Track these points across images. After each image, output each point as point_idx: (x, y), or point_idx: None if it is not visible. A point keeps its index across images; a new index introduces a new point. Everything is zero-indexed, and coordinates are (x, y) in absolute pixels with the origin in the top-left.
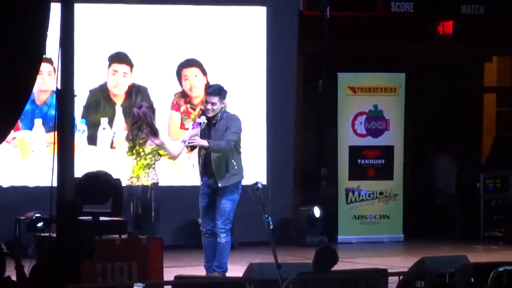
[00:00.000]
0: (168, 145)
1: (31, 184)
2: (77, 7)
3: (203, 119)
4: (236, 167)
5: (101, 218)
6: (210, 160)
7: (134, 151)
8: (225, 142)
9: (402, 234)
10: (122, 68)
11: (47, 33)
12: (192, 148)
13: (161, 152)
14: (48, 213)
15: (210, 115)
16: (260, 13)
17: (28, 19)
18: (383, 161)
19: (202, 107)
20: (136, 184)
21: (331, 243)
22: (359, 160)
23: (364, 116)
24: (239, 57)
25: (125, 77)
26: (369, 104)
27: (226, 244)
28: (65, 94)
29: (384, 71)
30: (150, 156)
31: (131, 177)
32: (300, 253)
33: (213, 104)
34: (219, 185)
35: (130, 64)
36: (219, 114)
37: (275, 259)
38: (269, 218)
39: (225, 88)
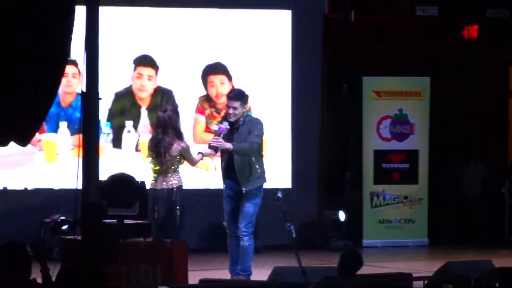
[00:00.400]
0: (192, 155)
1: (57, 186)
2: (102, 9)
3: (225, 125)
4: (259, 171)
5: (126, 221)
6: (233, 163)
7: (159, 155)
8: (248, 144)
9: (427, 238)
10: (147, 71)
11: (72, 35)
12: (216, 150)
13: (185, 155)
14: (73, 216)
15: (232, 119)
16: (285, 16)
17: (53, 21)
18: (408, 165)
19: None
20: (161, 187)
21: (356, 247)
22: (384, 164)
23: (389, 120)
24: (264, 60)
25: (150, 80)
26: (394, 108)
27: (249, 247)
28: (90, 97)
29: (409, 75)
30: (175, 159)
31: (155, 181)
32: (325, 257)
33: (234, 108)
34: (243, 189)
35: (155, 67)
36: (241, 118)
37: (300, 266)
38: (291, 226)
39: (246, 93)
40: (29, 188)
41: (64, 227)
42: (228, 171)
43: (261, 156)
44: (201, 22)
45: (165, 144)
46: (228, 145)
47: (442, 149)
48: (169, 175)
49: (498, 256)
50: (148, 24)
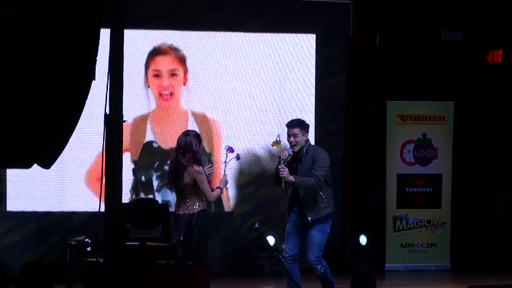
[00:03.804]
0: (205, 183)
1: (81, 209)
2: (127, 32)
3: (289, 151)
4: (325, 200)
5: (149, 243)
6: (298, 193)
7: (177, 179)
8: (313, 180)
9: (449, 263)
10: None
11: (97, 58)
12: (279, 182)
13: (197, 180)
14: (96, 239)
15: (295, 149)
16: (309, 40)
17: (79, 44)
18: (431, 189)
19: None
20: (182, 212)
21: (378, 271)
22: (407, 188)
23: (413, 144)
24: (288, 84)
25: None
26: (417, 132)
27: (326, 273)
28: (113, 119)
29: (433, 100)
30: (188, 182)
31: (177, 205)
32: (347, 281)
33: (295, 136)
34: (309, 218)
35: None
36: (304, 149)
37: None
38: (279, 255)
39: (305, 122)
40: (53, 210)
41: (88, 249)
42: (294, 200)
43: (329, 185)
44: (226, 46)
45: (184, 168)
46: (291, 178)
47: (465, 174)
48: (189, 200)
49: None
50: (174, 47)
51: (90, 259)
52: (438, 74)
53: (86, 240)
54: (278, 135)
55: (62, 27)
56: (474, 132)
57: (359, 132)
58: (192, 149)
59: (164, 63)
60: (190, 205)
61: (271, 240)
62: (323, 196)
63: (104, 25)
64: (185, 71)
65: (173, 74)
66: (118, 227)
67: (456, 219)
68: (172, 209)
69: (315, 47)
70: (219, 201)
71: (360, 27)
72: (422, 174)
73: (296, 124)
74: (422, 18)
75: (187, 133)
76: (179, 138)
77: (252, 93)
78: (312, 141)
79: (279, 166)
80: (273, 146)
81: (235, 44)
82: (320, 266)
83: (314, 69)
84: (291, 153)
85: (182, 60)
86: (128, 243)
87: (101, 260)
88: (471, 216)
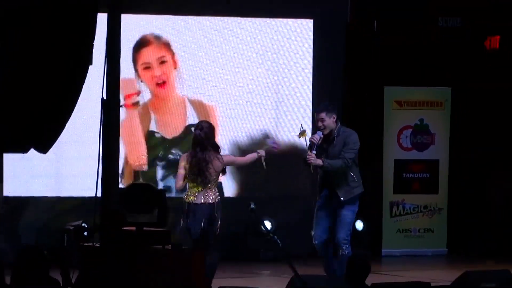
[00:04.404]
0: (238, 159)
1: (78, 194)
2: (124, 17)
3: (319, 134)
4: (356, 180)
5: (145, 229)
6: (329, 174)
7: (201, 173)
8: (342, 161)
9: (446, 248)
10: None
11: (94, 43)
12: (307, 167)
13: (232, 165)
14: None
15: (325, 132)
16: (306, 26)
17: (75, 29)
18: (428, 175)
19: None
20: (202, 202)
21: (375, 256)
22: (404, 174)
23: (410, 130)
24: (285, 69)
25: None
26: (415, 118)
27: (348, 255)
28: (110, 104)
29: (431, 85)
30: (215, 175)
31: (193, 195)
32: None
33: (322, 120)
34: (341, 198)
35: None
36: (335, 131)
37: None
38: (275, 236)
39: (332, 103)
40: (50, 195)
41: (85, 234)
42: (325, 182)
43: (357, 165)
44: (222, 31)
45: (207, 161)
46: (319, 162)
47: (462, 159)
48: (210, 190)
49: None
50: (169, 32)
51: (86, 244)
52: (436, 60)
53: (83, 224)
54: (301, 125)
55: (59, 12)
56: (471, 118)
57: (356, 118)
58: (210, 141)
59: (151, 53)
60: (211, 195)
61: (267, 224)
62: (354, 176)
63: (101, 9)
64: (172, 55)
65: (162, 62)
66: (114, 211)
67: (452, 205)
68: (172, 194)
69: (312, 32)
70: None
71: (358, 12)
72: (419, 159)
73: (322, 109)
74: (420, 4)
75: (201, 127)
76: (194, 134)
77: (248, 78)
78: (309, 125)
79: (313, 152)
80: (300, 137)
81: (231, 29)
82: (346, 247)
83: (311, 54)
84: (321, 136)
85: (167, 46)
86: (124, 228)
87: (98, 245)
88: (468, 202)
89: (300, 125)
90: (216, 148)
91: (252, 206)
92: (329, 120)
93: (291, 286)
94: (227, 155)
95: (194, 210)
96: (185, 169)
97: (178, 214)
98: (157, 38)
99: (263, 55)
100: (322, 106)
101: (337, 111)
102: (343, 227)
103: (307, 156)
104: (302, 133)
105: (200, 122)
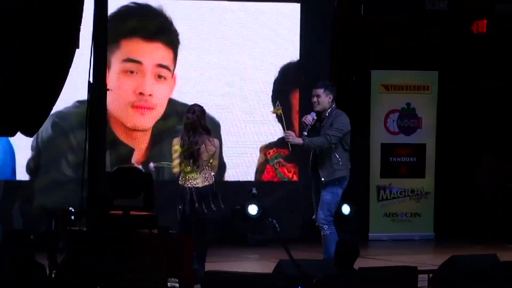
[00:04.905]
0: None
1: (65, 177)
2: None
3: (312, 115)
4: (340, 163)
5: (132, 213)
6: (317, 155)
7: (194, 157)
8: (323, 138)
9: (433, 232)
10: None
11: (80, 25)
12: (291, 146)
13: (216, 153)
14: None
15: (317, 109)
16: (294, 10)
17: (61, 11)
18: (415, 159)
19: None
20: (203, 184)
21: (362, 240)
22: (391, 158)
23: (397, 114)
24: (272, 53)
25: None
26: (402, 102)
27: (331, 235)
28: (97, 88)
29: (418, 69)
30: (209, 156)
31: (187, 179)
32: None
33: (318, 96)
34: (322, 179)
35: None
36: (328, 111)
37: (291, 259)
38: (274, 221)
39: (332, 84)
40: (38, 179)
41: (72, 218)
42: (313, 162)
43: (345, 150)
44: (209, 15)
45: (199, 145)
46: (298, 140)
47: (449, 143)
48: (207, 172)
49: (504, 251)
50: (155, 16)
51: (73, 228)
52: (423, 44)
53: (70, 209)
54: (278, 102)
55: None
56: (458, 102)
57: (343, 101)
58: (202, 125)
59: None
60: (208, 176)
61: (252, 209)
62: (339, 159)
63: None
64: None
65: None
66: (101, 195)
67: (440, 189)
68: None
69: (299, 17)
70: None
71: None
72: (406, 143)
73: (321, 86)
74: None
75: (193, 111)
76: (186, 117)
77: (235, 63)
78: (297, 110)
79: (304, 133)
80: (273, 113)
81: (218, 13)
82: (326, 227)
83: (299, 38)
84: (315, 117)
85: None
86: (111, 212)
87: (85, 229)
88: (455, 186)
89: (277, 102)
90: (208, 131)
91: (253, 191)
92: (325, 98)
93: (278, 269)
94: (217, 144)
95: (190, 193)
96: (178, 153)
97: (168, 198)
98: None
99: (250, 39)
100: (321, 83)
101: (335, 94)
102: (322, 208)
103: (285, 135)
104: (277, 110)
105: (192, 106)
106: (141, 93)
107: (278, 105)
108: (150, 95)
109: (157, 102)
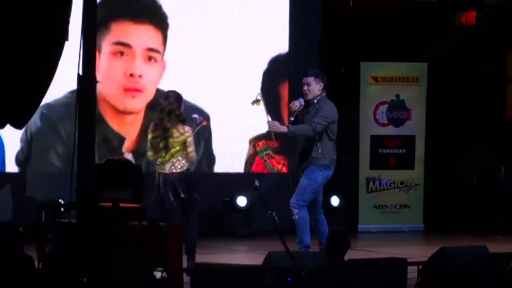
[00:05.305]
0: (193, 144)
1: (55, 169)
2: None
3: (300, 101)
4: (320, 151)
5: (121, 205)
6: (301, 144)
7: (164, 140)
8: (308, 125)
9: (422, 224)
10: None
11: (70, 18)
12: (275, 135)
13: (187, 140)
14: (69, 199)
15: (308, 97)
16: (283, 1)
17: (51, 4)
18: (404, 151)
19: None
20: (170, 171)
21: (351, 232)
22: (380, 150)
23: (386, 106)
24: (261, 46)
25: None
26: (391, 93)
27: (300, 220)
28: (86, 80)
29: (407, 61)
30: (179, 144)
31: (161, 165)
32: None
33: (308, 84)
34: (302, 165)
35: None
36: (316, 99)
37: (288, 252)
38: (273, 213)
39: (322, 73)
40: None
41: (62, 210)
42: (298, 149)
43: (330, 139)
44: (197, 5)
45: (169, 132)
46: (283, 129)
47: (438, 135)
48: (177, 159)
49: (493, 242)
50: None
51: (63, 220)
52: (412, 35)
53: (59, 200)
54: (258, 93)
55: None
56: (447, 94)
57: (332, 93)
58: (175, 111)
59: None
60: (178, 164)
61: (241, 200)
62: (319, 148)
63: None
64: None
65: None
66: (90, 188)
67: (429, 180)
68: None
69: (288, 7)
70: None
71: None
72: (395, 135)
73: (311, 74)
74: None
75: (167, 97)
76: (160, 103)
77: (223, 55)
78: (285, 101)
79: (291, 119)
80: (253, 104)
81: (207, 4)
82: (296, 212)
83: (288, 29)
84: (302, 103)
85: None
86: (100, 204)
87: (74, 221)
88: (444, 177)
89: (258, 93)
90: (182, 119)
91: (256, 183)
92: (315, 86)
93: (267, 262)
94: (189, 131)
95: (164, 180)
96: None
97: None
98: None
99: (238, 31)
100: (312, 71)
101: (326, 83)
102: (296, 192)
103: (268, 124)
104: (256, 101)
105: (168, 92)
106: (131, 75)
107: (258, 97)
108: (140, 76)
109: (147, 84)
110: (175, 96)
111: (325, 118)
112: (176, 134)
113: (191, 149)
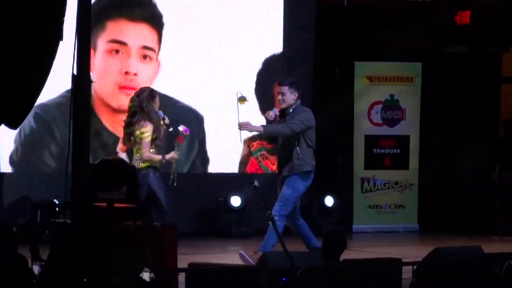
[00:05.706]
0: (145, 142)
1: (50, 169)
2: None
3: (275, 111)
4: (300, 158)
5: (116, 205)
6: (280, 151)
7: (130, 136)
8: (282, 125)
9: (417, 224)
10: None
11: (64, 18)
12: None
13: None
14: (64, 199)
15: (282, 106)
16: (277, 1)
17: (45, 4)
18: (398, 151)
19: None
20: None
21: (346, 232)
22: (374, 149)
23: (380, 105)
24: (255, 43)
25: None
26: (385, 93)
27: (272, 230)
28: (81, 80)
29: (401, 61)
30: (139, 141)
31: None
32: None
33: (283, 94)
34: (283, 173)
35: None
36: (292, 108)
37: (286, 252)
38: (272, 214)
39: (297, 83)
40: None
41: (57, 210)
42: (278, 158)
43: (309, 146)
44: (192, 6)
45: (133, 127)
46: (257, 128)
47: (433, 135)
48: (138, 155)
49: (488, 242)
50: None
51: (57, 220)
52: (406, 35)
53: (54, 200)
54: (238, 91)
55: None
56: (442, 94)
57: (327, 93)
58: (143, 109)
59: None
60: (138, 160)
61: (235, 200)
62: (300, 154)
63: None
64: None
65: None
66: (85, 188)
67: (423, 180)
68: None
69: (283, 6)
70: (187, 162)
71: None
72: (389, 135)
73: (286, 83)
74: None
75: (138, 94)
76: (131, 100)
77: (217, 52)
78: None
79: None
80: (241, 103)
81: (201, 4)
82: (276, 219)
83: (282, 29)
84: (277, 113)
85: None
86: (95, 204)
87: (69, 221)
88: (439, 177)
89: (237, 92)
90: (144, 116)
91: (255, 183)
92: (290, 96)
93: (262, 262)
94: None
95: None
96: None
97: None
98: None
99: (233, 31)
100: (287, 80)
101: (300, 92)
102: (278, 201)
103: (239, 124)
104: (240, 100)
105: (142, 88)
106: (126, 73)
107: (239, 94)
108: (135, 74)
109: (142, 82)
110: (148, 93)
111: (300, 120)
112: (137, 132)
113: (143, 149)
